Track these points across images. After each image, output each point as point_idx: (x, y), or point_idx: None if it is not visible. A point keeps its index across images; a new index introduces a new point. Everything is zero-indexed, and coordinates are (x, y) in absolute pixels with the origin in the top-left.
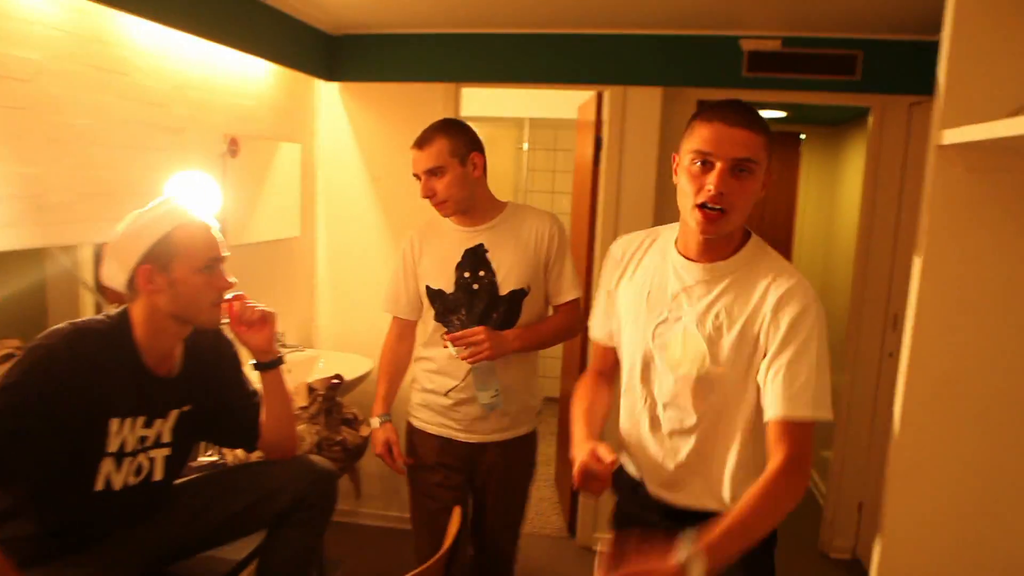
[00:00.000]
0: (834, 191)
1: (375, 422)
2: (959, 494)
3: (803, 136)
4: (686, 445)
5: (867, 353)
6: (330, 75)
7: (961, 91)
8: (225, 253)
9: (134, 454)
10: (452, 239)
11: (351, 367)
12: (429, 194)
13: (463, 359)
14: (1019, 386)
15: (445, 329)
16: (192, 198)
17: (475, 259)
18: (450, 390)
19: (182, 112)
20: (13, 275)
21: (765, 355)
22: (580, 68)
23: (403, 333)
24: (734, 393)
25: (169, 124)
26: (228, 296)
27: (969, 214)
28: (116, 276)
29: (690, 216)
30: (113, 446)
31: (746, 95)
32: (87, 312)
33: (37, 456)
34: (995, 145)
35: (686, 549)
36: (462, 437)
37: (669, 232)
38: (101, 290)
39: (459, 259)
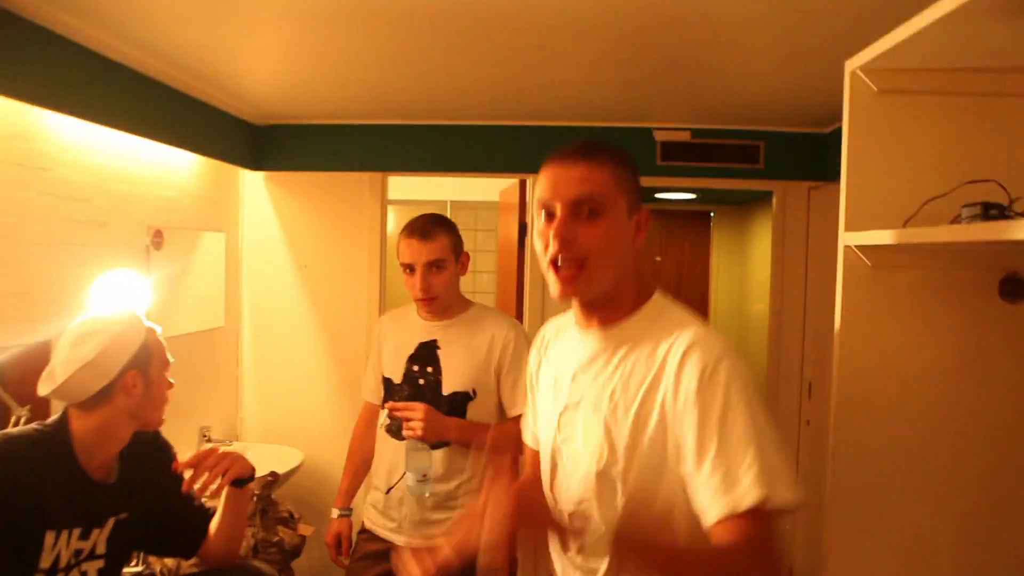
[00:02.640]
0: (744, 262)
1: (334, 513)
2: (895, 560)
3: (712, 213)
4: (600, 566)
5: (786, 421)
6: (255, 164)
7: (860, 195)
8: (169, 357)
9: (67, 569)
10: (411, 329)
11: (281, 459)
12: (425, 287)
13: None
14: (937, 450)
15: (388, 423)
16: (123, 299)
17: (426, 354)
18: (391, 487)
19: (105, 205)
20: None
21: (679, 449)
22: (504, 157)
23: (371, 419)
24: (647, 492)
25: (92, 218)
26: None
27: (874, 303)
28: (89, 386)
29: (549, 281)
30: (47, 562)
31: (661, 182)
32: None
33: None
34: (891, 247)
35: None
36: (402, 540)
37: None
38: (10, 394)
39: (412, 351)
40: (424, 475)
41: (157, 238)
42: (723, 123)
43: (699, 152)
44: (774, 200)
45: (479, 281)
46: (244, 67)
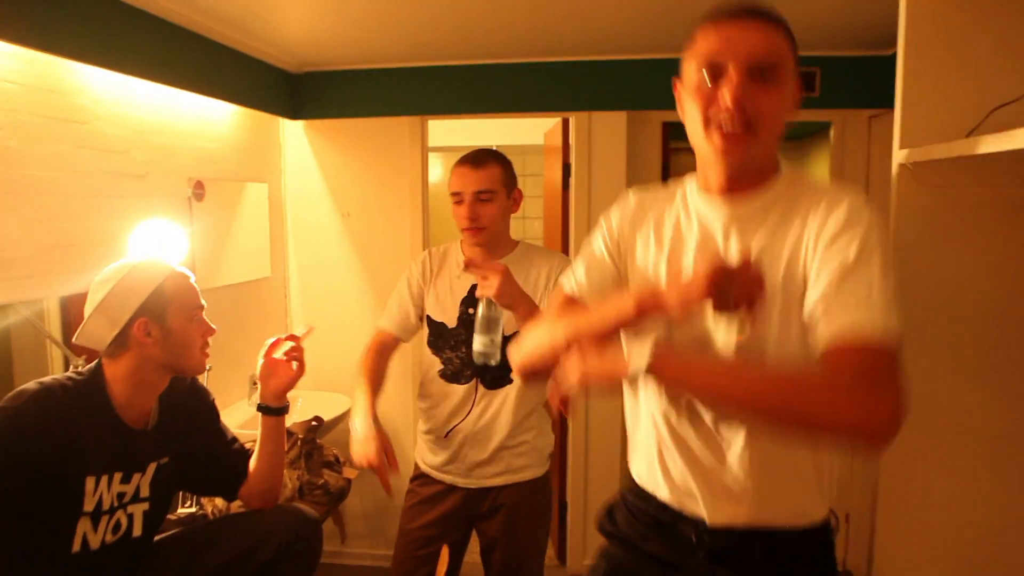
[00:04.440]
0: None
1: (364, 426)
2: (951, 503)
3: None
4: (738, 437)
5: None
6: (294, 114)
7: (917, 110)
8: (203, 302)
9: (111, 511)
10: (460, 271)
11: (329, 406)
12: (472, 216)
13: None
14: (997, 381)
15: (441, 368)
16: (159, 248)
17: None
18: (450, 430)
19: (144, 158)
20: None
21: (814, 280)
22: (545, 96)
23: (385, 346)
24: (790, 362)
25: (131, 171)
26: (298, 332)
27: (930, 224)
28: (104, 333)
29: (705, 143)
30: (89, 505)
31: None
32: (55, 366)
33: (10, 521)
34: (950, 163)
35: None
36: (462, 483)
37: (688, 178)
38: (70, 345)
39: (465, 294)
40: (492, 342)
41: (198, 189)
42: None
43: None
44: (831, 132)
45: (529, 228)
46: (278, 13)
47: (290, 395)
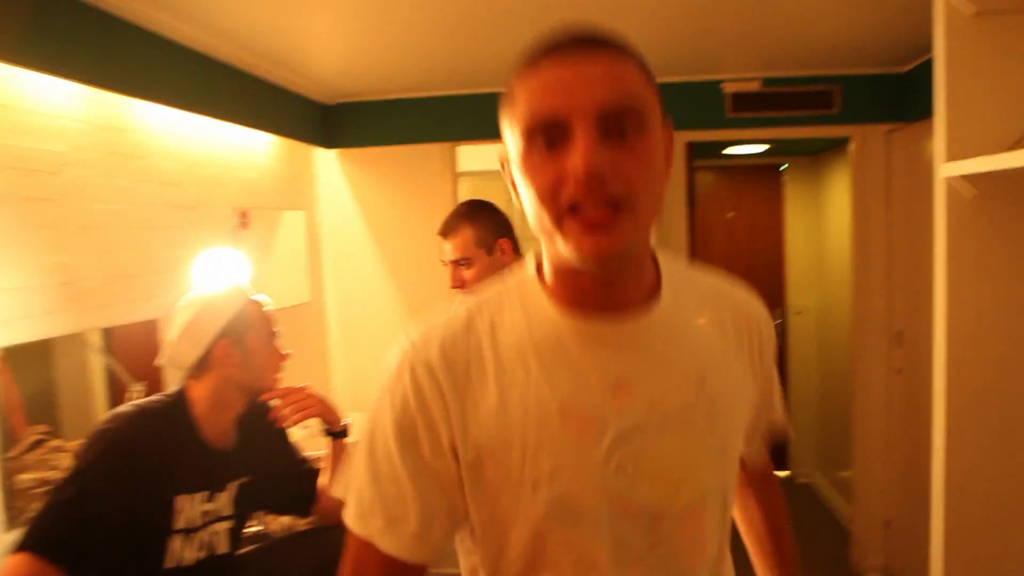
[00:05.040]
0: (819, 216)
1: None
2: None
3: (784, 166)
4: None
5: (874, 371)
6: (328, 143)
7: (958, 123)
8: (278, 327)
9: (199, 529)
10: None
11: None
12: (458, 284)
13: None
14: None
15: None
16: (226, 275)
17: None
18: None
19: (194, 190)
20: (24, 362)
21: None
22: None
23: None
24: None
25: (183, 202)
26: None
27: (981, 235)
28: (188, 355)
29: (559, 239)
30: (181, 523)
31: (732, 135)
32: (100, 392)
33: (109, 540)
34: (996, 175)
35: None
36: None
37: (510, 293)
38: (122, 369)
39: None
40: None
41: (243, 218)
42: (795, 69)
43: (771, 101)
44: (851, 146)
45: None
46: (312, 46)
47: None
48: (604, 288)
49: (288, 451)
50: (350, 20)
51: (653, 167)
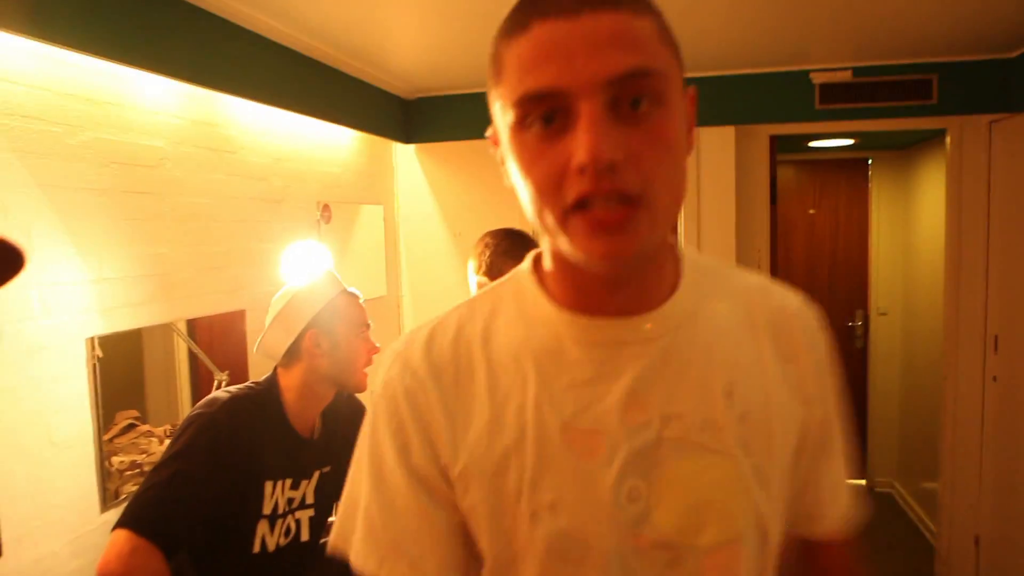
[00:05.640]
0: (908, 213)
1: None
2: None
3: (870, 160)
4: None
5: (968, 377)
6: (406, 138)
7: None
8: (369, 321)
9: (284, 515)
10: None
11: None
12: None
13: None
14: None
15: None
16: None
17: None
18: None
19: (280, 184)
20: (117, 349)
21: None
22: None
23: None
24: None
25: (270, 196)
26: None
27: None
28: (279, 343)
29: (562, 236)
30: (268, 508)
31: (821, 127)
32: (184, 381)
33: (203, 521)
34: None
35: None
36: None
37: (505, 295)
38: (207, 358)
39: None
40: None
41: (326, 212)
42: (889, 58)
43: (862, 92)
44: (948, 138)
45: None
46: (392, 40)
47: None
48: (613, 288)
49: None
50: (430, 14)
51: (674, 149)
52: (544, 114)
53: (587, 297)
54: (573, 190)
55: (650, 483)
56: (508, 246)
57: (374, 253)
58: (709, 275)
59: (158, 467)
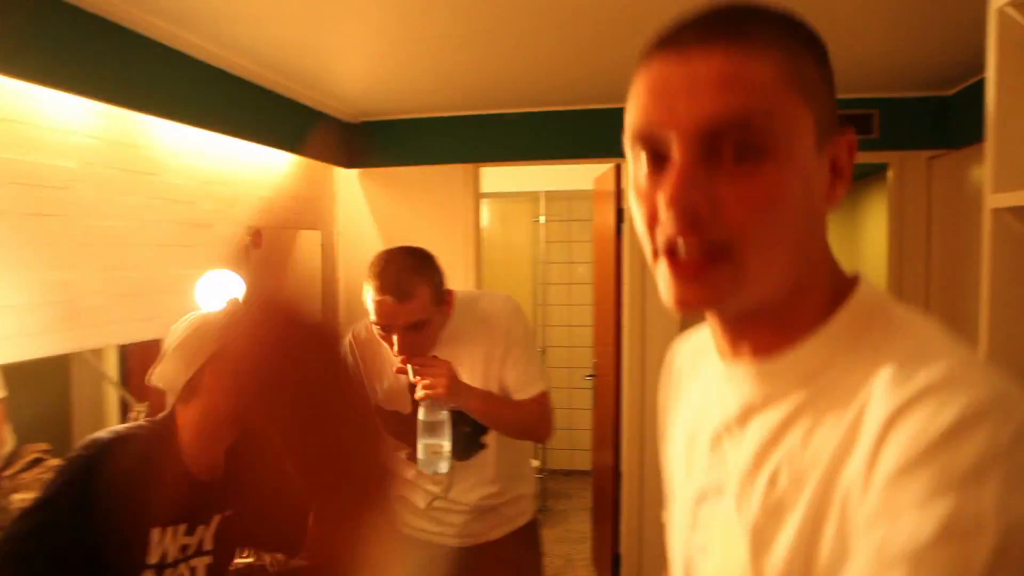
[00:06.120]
0: (853, 245)
1: None
2: None
3: None
4: None
5: None
6: (348, 162)
7: (1010, 151)
8: None
9: (176, 564)
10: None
11: None
12: (406, 349)
13: (417, 391)
14: None
15: (409, 452)
16: (222, 297)
17: None
18: (431, 502)
19: (210, 208)
20: (40, 378)
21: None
22: (596, 142)
23: None
24: None
25: (198, 220)
26: None
27: None
28: (178, 376)
29: (660, 279)
30: (154, 557)
31: None
32: (113, 412)
33: (77, 573)
34: None
35: None
36: (454, 543)
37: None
38: (130, 390)
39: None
40: (440, 452)
41: (256, 238)
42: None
43: None
44: (889, 174)
45: (576, 272)
46: (335, 63)
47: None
48: (726, 328)
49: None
50: (374, 38)
51: (780, 203)
52: (651, 155)
53: (726, 345)
54: (663, 233)
55: (708, 524)
56: (412, 263)
57: (309, 280)
58: (869, 331)
59: (21, 517)
